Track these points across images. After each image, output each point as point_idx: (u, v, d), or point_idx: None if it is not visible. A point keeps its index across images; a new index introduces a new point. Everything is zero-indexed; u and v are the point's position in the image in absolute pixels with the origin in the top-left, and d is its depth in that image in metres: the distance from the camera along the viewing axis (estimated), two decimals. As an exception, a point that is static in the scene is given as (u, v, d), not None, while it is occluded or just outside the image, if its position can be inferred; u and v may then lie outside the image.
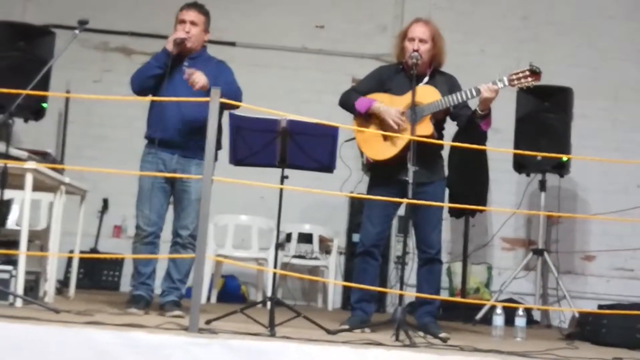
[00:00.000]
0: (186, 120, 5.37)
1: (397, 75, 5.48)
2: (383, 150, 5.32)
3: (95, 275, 7.98)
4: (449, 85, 5.40)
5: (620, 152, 8.40)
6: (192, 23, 5.49)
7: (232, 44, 8.75)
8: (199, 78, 5.19)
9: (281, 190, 4.98)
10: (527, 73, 5.18)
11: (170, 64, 5.37)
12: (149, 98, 5.48)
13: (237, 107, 4.92)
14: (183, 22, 5.50)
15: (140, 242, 5.43)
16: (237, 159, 5.10)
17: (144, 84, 5.46)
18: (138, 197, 5.49)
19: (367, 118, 5.38)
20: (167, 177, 5.41)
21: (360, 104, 5.36)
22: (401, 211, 5.40)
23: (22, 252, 5.11)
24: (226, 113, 5.04)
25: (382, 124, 5.32)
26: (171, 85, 5.38)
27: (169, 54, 5.39)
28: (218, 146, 5.19)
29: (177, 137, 5.39)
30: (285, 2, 8.92)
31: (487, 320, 6.32)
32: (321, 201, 8.33)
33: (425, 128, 5.24)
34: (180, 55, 5.47)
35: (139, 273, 5.47)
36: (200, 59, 5.56)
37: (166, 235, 5.58)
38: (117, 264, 7.98)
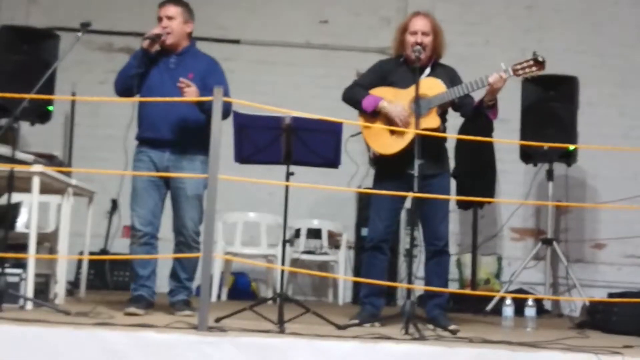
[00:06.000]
0: (175, 118, 5.31)
1: (399, 68, 5.46)
2: (391, 144, 5.31)
3: (106, 276, 7.98)
4: (450, 76, 5.39)
5: (629, 139, 8.38)
6: (169, 18, 5.40)
7: (237, 41, 8.77)
8: (190, 94, 5.14)
9: (287, 187, 4.98)
10: (532, 62, 5.18)
11: (147, 62, 5.33)
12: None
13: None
14: (160, 19, 5.42)
15: (137, 244, 5.35)
16: (242, 157, 5.11)
17: (125, 84, 5.36)
18: (132, 197, 5.41)
19: (373, 113, 5.38)
20: (163, 176, 5.35)
21: (367, 102, 5.33)
22: (408, 204, 5.39)
23: (32, 255, 5.14)
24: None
25: (389, 118, 5.32)
26: (158, 83, 5.35)
27: (146, 52, 5.33)
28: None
29: (166, 136, 5.32)
30: (288, -1, 8.94)
31: (498, 311, 6.29)
32: (329, 196, 8.33)
33: (433, 120, 5.23)
34: (167, 51, 5.42)
35: (137, 275, 5.38)
36: (188, 55, 5.49)
37: (167, 233, 5.53)
38: (127, 264, 7.97)
